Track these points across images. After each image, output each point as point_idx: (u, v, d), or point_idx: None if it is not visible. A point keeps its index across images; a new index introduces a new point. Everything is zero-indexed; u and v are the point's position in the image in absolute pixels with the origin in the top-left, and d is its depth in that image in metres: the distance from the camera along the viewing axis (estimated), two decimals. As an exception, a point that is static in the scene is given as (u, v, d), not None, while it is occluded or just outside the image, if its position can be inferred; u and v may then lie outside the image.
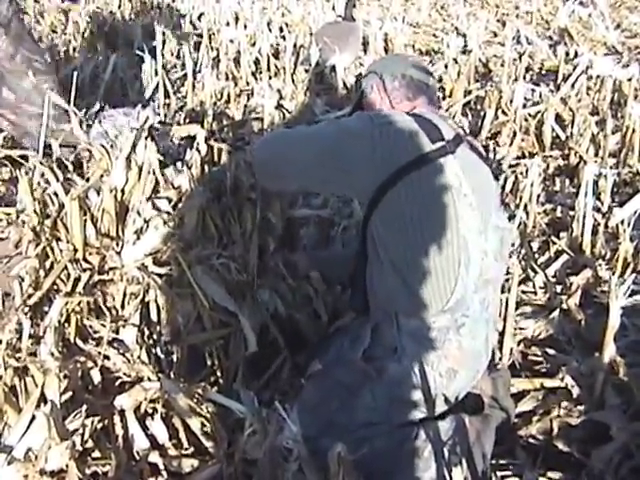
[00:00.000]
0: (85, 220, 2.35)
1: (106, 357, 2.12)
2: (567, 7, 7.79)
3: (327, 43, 5.01)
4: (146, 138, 2.42)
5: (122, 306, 2.30)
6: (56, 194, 2.47)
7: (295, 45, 5.52)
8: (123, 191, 2.40)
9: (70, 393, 1.96)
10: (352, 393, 2.07)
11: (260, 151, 2.35)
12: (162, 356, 2.29)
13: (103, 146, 2.57)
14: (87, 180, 2.56)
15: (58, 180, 2.52)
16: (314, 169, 2.17)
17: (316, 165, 2.15)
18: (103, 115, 3.20)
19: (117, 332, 2.19)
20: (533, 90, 4.55)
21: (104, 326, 2.16)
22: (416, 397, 2.04)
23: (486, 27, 7.30)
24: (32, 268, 2.33)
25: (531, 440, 2.37)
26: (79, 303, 2.18)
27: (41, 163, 2.59)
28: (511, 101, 4.28)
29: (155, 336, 2.30)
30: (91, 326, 2.19)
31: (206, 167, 2.62)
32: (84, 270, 2.32)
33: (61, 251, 2.36)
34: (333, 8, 7.42)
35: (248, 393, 1.90)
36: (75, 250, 2.34)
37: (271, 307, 2.57)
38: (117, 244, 2.38)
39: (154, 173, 2.44)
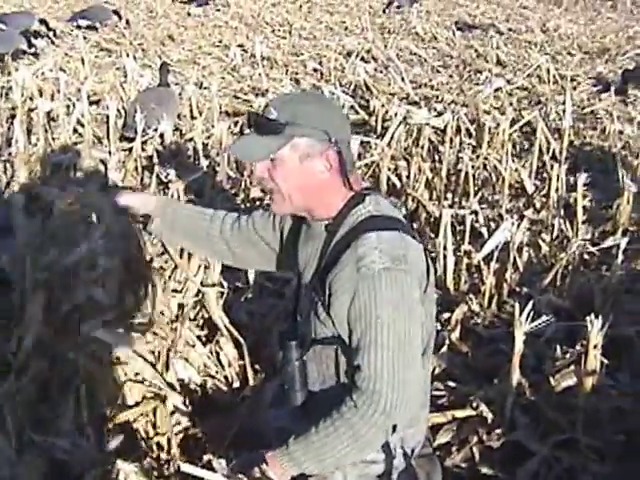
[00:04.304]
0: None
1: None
2: (350, 63, 8.28)
3: (155, 109, 5.02)
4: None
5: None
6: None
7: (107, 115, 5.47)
8: None
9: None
10: None
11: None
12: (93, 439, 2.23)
13: None
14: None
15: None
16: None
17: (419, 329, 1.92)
18: None
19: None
20: (362, 142, 4.79)
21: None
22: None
23: (283, 85, 7.59)
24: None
25: (456, 470, 2.51)
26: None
27: None
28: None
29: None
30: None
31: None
32: None
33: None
34: (125, 75, 7.37)
35: (221, 462, 1.87)
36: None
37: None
38: None
39: None
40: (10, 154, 4.88)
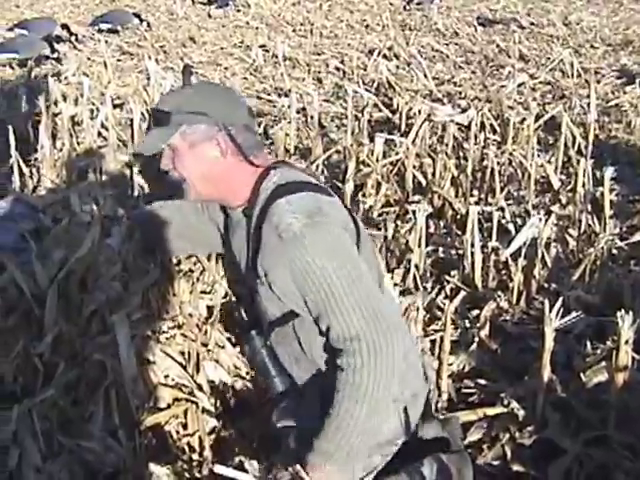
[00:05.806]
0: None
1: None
2: (373, 61, 8.27)
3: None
4: None
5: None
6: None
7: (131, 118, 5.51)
8: None
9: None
10: None
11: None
12: (124, 441, 2.24)
13: None
14: None
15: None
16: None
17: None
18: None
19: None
20: (386, 140, 4.77)
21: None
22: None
23: (305, 85, 7.60)
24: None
25: (487, 467, 2.50)
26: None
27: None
28: (372, 152, 4.48)
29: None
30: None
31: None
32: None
33: None
34: (147, 78, 7.40)
35: (253, 463, 1.88)
36: None
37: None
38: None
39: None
40: (36, 159, 4.94)
